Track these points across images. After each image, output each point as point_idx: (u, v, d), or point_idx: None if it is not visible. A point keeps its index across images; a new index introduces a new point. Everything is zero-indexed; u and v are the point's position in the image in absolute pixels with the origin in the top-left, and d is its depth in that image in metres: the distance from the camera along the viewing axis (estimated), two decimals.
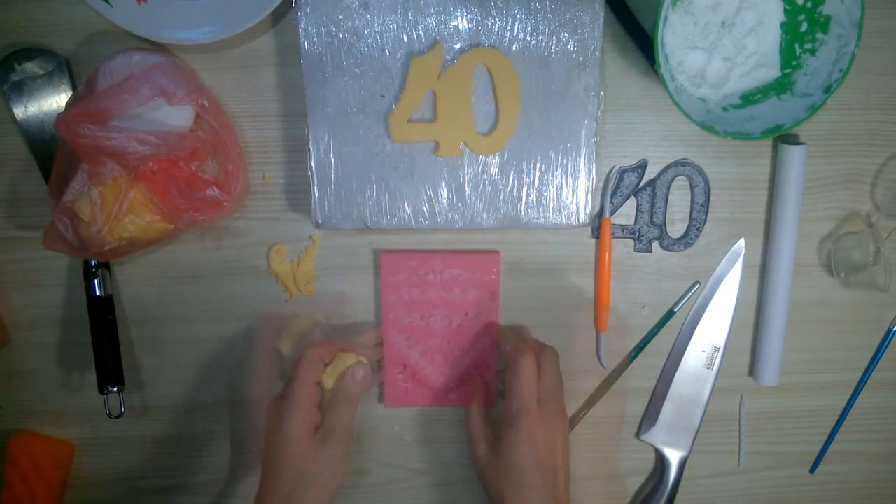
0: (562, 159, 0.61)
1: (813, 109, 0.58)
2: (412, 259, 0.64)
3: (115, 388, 0.64)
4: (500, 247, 0.66)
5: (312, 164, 0.60)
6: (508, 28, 0.59)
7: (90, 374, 0.64)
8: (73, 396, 0.67)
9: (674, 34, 0.60)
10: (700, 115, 0.58)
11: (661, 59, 0.55)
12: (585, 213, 0.62)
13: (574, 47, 0.59)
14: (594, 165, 0.62)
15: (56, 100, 0.61)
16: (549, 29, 0.59)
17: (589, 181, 0.62)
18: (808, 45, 0.60)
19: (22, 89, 0.60)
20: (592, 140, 0.61)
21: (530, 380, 0.57)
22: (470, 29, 0.59)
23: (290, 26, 0.61)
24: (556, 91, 0.60)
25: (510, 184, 0.62)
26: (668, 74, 0.58)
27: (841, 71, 0.57)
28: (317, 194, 0.61)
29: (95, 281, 0.63)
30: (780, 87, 0.61)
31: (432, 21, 0.59)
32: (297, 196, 0.64)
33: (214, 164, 0.61)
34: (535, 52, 0.59)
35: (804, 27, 0.60)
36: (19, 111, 0.61)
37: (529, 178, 0.62)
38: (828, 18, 0.58)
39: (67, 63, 0.61)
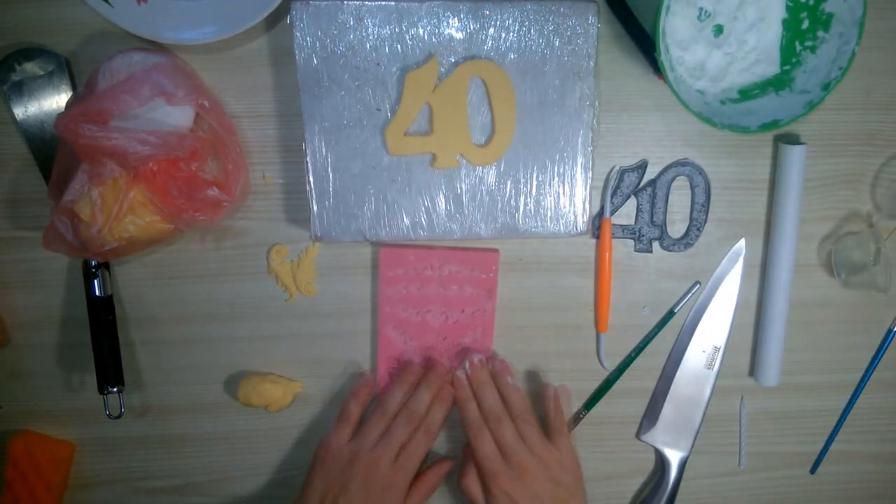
0: (558, 168, 0.61)
1: (811, 106, 0.58)
2: (411, 254, 0.64)
3: (115, 389, 0.64)
4: (500, 246, 0.66)
5: (311, 178, 0.60)
6: (503, 39, 0.59)
7: (90, 374, 0.64)
8: (73, 396, 0.67)
9: (675, 25, 0.60)
10: (698, 106, 0.58)
11: (661, 47, 0.55)
12: (583, 222, 0.62)
13: (568, 57, 0.59)
14: (591, 174, 0.62)
15: (56, 100, 0.61)
16: (543, 39, 0.59)
17: (586, 190, 0.62)
18: (808, 43, 0.60)
19: (22, 89, 0.60)
20: (588, 149, 0.61)
21: (485, 450, 0.61)
22: (464, 41, 0.59)
23: (290, 26, 0.61)
24: (552, 101, 0.60)
25: (507, 194, 0.62)
26: (668, 64, 0.58)
27: (840, 69, 0.57)
28: (315, 208, 0.61)
29: (95, 281, 0.63)
30: (778, 83, 0.61)
31: (427, 34, 0.58)
32: (298, 196, 0.64)
33: (214, 165, 0.61)
34: (530, 62, 0.59)
35: (806, 24, 0.60)
36: (19, 111, 0.61)
37: (526, 187, 0.62)
38: (830, 16, 0.58)
39: (67, 63, 0.61)
